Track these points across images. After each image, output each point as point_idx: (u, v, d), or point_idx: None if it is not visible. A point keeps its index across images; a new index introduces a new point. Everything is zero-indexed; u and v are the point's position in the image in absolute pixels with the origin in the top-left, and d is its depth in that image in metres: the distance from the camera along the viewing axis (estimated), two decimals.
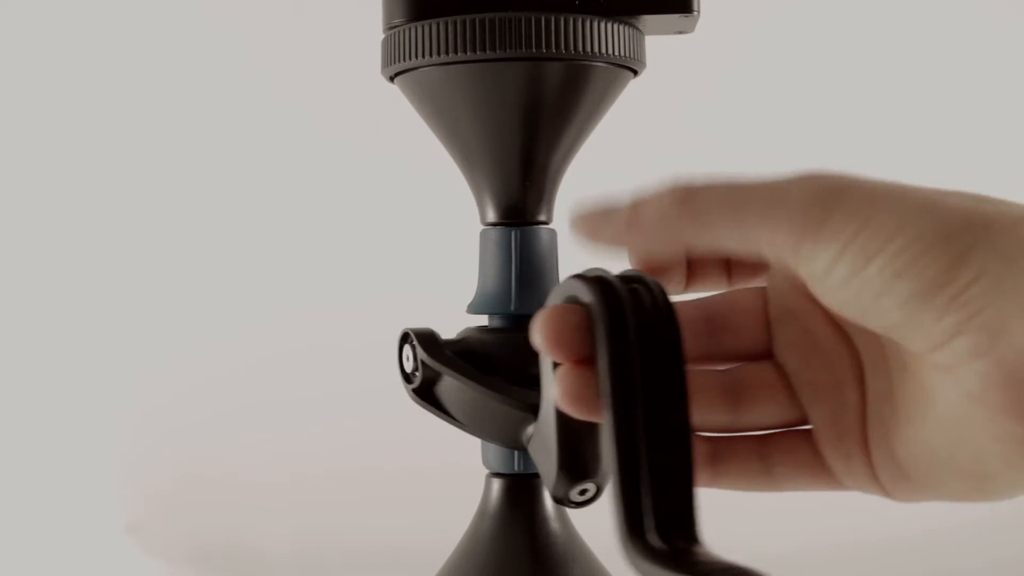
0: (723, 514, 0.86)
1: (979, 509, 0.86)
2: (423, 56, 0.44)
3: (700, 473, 0.33)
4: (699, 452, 0.34)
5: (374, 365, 0.89)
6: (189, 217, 0.91)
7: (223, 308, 0.91)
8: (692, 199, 0.33)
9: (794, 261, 0.31)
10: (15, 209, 0.91)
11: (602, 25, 0.44)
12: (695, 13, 0.45)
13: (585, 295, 0.33)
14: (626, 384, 0.31)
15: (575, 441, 0.38)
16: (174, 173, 0.92)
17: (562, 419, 0.36)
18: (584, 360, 0.33)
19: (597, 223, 0.34)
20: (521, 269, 0.46)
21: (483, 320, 0.47)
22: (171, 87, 0.91)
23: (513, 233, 0.46)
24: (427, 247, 0.88)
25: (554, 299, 0.34)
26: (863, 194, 0.30)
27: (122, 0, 0.91)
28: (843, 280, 0.30)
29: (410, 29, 0.44)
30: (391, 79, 0.47)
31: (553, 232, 0.47)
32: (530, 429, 0.41)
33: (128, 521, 0.84)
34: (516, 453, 0.46)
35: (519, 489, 0.47)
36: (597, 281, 0.33)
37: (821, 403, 0.35)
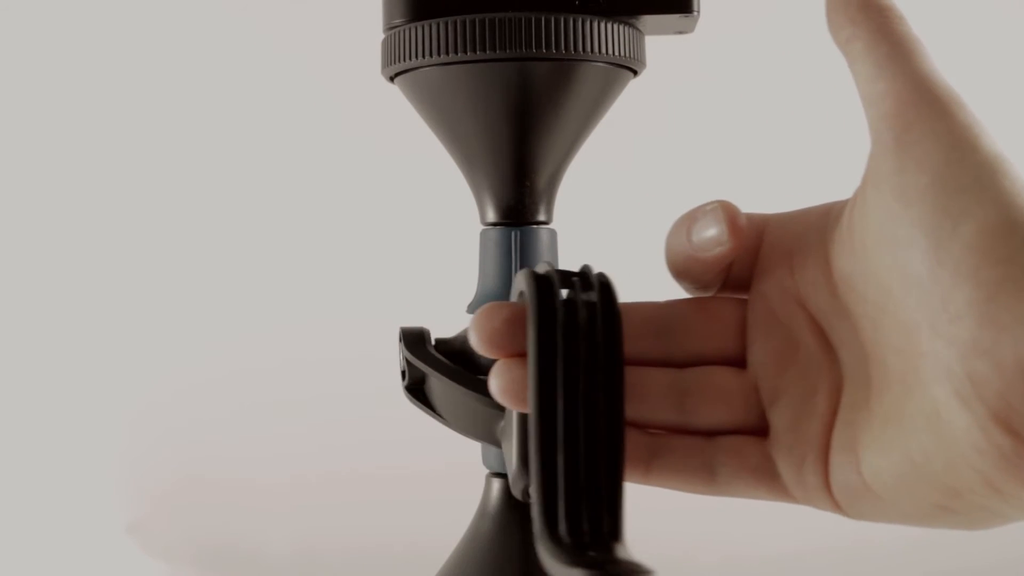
0: (724, 514, 0.86)
1: None
2: (423, 56, 0.44)
3: (633, 468, 0.33)
4: (634, 447, 0.34)
5: (374, 365, 0.89)
6: (188, 218, 0.91)
7: (223, 309, 0.91)
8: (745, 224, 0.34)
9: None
10: (16, 210, 0.91)
11: (602, 25, 0.44)
12: (695, 13, 0.45)
13: (523, 287, 0.32)
14: (549, 377, 0.30)
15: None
16: (174, 173, 0.92)
17: (520, 414, 0.35)
18: (521, 354, 0.32)
19: (707, 253, 0.35)
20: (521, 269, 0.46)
21: None
22: (170, 88, 0.91)
23: (513, 233, 0.46)
24: (427, 247, 0.88)
25: (512, 294, 0.34)
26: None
27: (123, 1, 0.91)
28: (891, 212, 0.30)
29: (410, 29, 0.44)
30: (391, 79, 0.47)
31: (553, 232, 0.47)
32: (501, 424, 0.42)
33: (128, 521, 0.84)
34: None
35: None
36: (533, 275, 0.32)
37: (786, 409, 0.34)
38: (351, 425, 0.88)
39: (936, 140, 0.31)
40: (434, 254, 0.85)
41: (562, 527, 0.30)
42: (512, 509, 0.47)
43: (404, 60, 0.44)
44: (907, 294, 0.30)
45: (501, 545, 0.46)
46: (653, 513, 0.82)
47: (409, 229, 0.91)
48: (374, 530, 0.82)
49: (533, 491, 0.30)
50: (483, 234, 0.47)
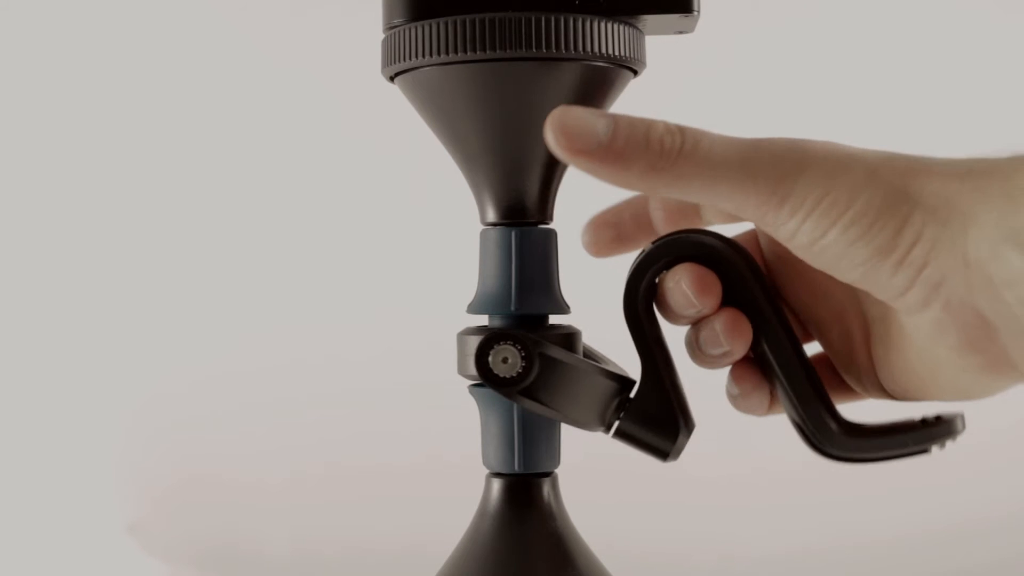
0: (723, 514, 0.86)
1: (979, 509, 0.86)
2: (423, 56, 0.44)
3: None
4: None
5: (374, 365, 0.89)
6: (188, 218, 0.91)
7: (223, 309, 0.91)
8: (674, 157, 0.36)
9: (762, 225, 0.37)
10: (16, 210, 0.91)
11: (602, 25, 0.44)
12: (695, 13, 0.45)
13: (714, 244, 0.42)
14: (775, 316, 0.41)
15: (684, 399, 0.44)
16: (175, 173, 0.92)
17: (675, 382, 0.43)
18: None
19: (579, 137, 0.36)
20: (521, 269, 0.46)
21: (483, 320, 0.47)
22: (171, 89, 0.91)
23: (513, 233, 0.46)
24: (427, 247, 0.88)
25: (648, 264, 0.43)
26: (820, 169, 0.36)
27: (123, 1, 0.91)
28: (807, 245, 0.36)
29: (410, 29, 0.44)
30: (391, 79, 0.47)
31: (553, 232, 0.47)
32: (615, 403, 0.43)
33: (128, 521, 0.84)
34: (516, 453, 0.46)
35: (519, 489, 0.47)
36: (715, 236, 0.42)
37: (828, 332, 0.42)
38: (351, 425, 0.88)
39: None
40: (434, 254, 0.85)
41: (834, 425, 0.41)
42: (512, 509, 0.47)
43: (404, 60, 0.44)
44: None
45: (501, 545, 0.46)
46: (653, 513, 0.82)
47: (409, 229, 0.91)
48: (374, 530, 0.82)
49: (800, 407, 0.41)
50: (483, 234, 0.47)
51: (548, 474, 0.47)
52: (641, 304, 0.43)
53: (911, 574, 0.79)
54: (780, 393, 0.42)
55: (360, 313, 0.90)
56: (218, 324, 0.91)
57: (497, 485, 0.47)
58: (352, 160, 0.91)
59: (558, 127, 0.36)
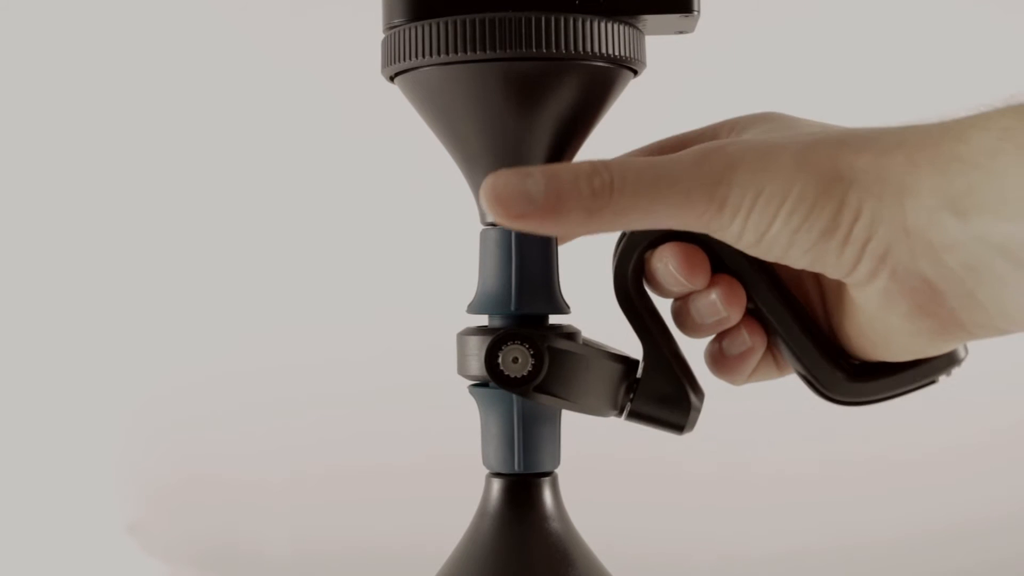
0: (722, 514, 0.86)
1: (979, 509, 0.86)
2: (423, 56, 0.44)
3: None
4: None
5: (374, 365, 0.89)
6: (188, 218, 0.91)
7: (223, 308, 0.91)
8: (607, 196, 0.37)
9: (710, 232, 0.38)
10: (16, 211, 0.91)
11: (602, 25, 0.44)
12: (695, 13, 0.45)
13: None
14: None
15: (688, 369, 0.44)
16: (176, 173, 0.92)
17: (677, 355, 0.44)
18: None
19: (514, 203, 0.37)
20: (521, 269, 0.46)
21: (483, 320, 0.47)
22: (171, 89, 0.91)
23: (513, 233, 0.46)
24: (427, 247, 0.88)
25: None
26: (748, 166, 0.37)
27: (123, 1, 0.91)
28: (755, 242, 0.37)
29: (410, 29, 0.44)
30: (391, 79, 0.47)
31: None
32: (624, 386, 0.44)
33: (128, 521, 0.84)
34: (516, 453, 0.46)
35: (519, 489, 0.47)
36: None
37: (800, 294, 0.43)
38: (351, 425, 0.88)
39: None
40: (434, 254, 0.85)
41: (839, 371, 0.42)
42: (512, 509, 0.47)
43: (404, 60, 0.44)
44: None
45: (501, 545, 0.46)
46: (653, 513, 0.82)
47: (409, 229, 0.91)
48: (374, 530, 0.82)
49: (806, 362, 0.42)
50: (483, 234, 0.47)
51: (548, 474, 0.47)
52: (632, 285, 0.44)
53: (911, 574, 0.79)
54: (782, 349, 0.43)
55: (360, 313, 0.90)
56: (218, 324, 0.91)
57: (497, 485, 0.47)
58: (352, 160, 0.91)
59: (492, 197, 0.37)
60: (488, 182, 0.37)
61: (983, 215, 0.34)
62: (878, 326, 0.39)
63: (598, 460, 0.72)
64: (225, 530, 0.84)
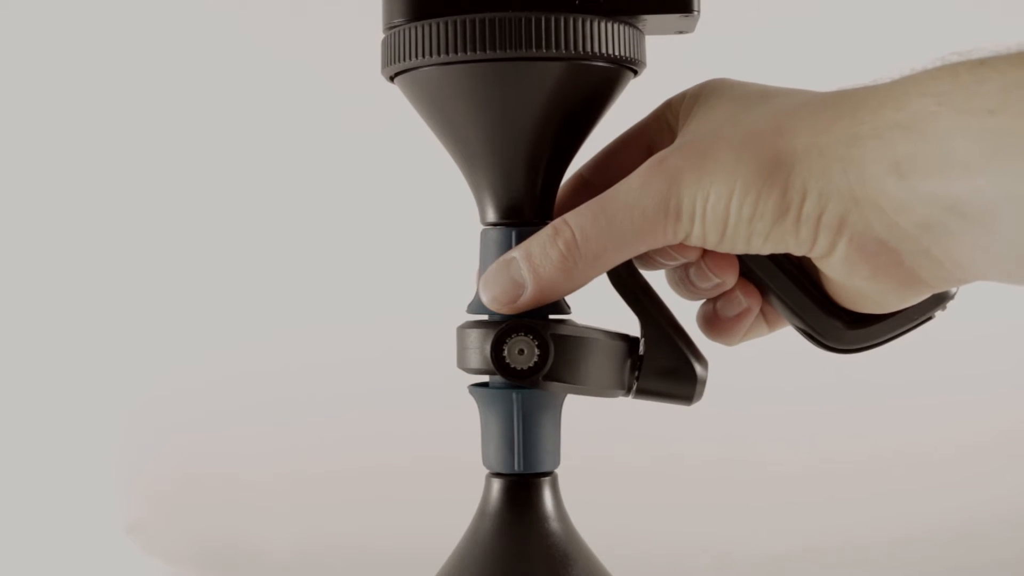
0: (722, 514, 0.86)
1: (979, 509, 0.86)
2: (423, 56, 0.44)
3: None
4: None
5: (374, 366, 0.89)
6: (188, 219, 0.91)
7: (223, 309, 0.91)
8: (576, 249, 0.40)
9: (682, 242, 0.40)
10: (16, 211, 0.91)
11: (602, 25, 0.44)
12: (695, 13, 0.45)
13: None
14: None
15: (689, 338, 0.45)
16: (176, 174, 0.92)
17: (676, 327, 0.44)
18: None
19: (506, 295, 0.42)
20: None
21: (483, 320, 0.47)
22: (171, 89, 0.91)
23: (513, 233, 0.46)
24: (427, 247, 0.88)
25: None
26: (690, 171, 0.39)
27: (124, 1, 0.91)
28: (717, 241, 0.39)
29: (410, 29, 0.44)
30: (391, 79, 0.47)
31: None
32: (629, 363, 0.45)
33: (128, 521, 0.84)
34: (516, 453, 0.46)
35: (519, 489, 0.47)
36: None
37: None
38: (351, 425, 0.88)
39: None
40: (434, 254, 0.85)
41: (836, 321, 0.43)
42: (512, 509, 0.47)
43: (404, 60, 0.44)
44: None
45: (501, 545, 0.46)
46: (653, 513, 0.82)
47: (409, 229, 0.91)
48: (374, 530, 0.82)
49: (803, 316, 0.43)
50: (483, 234, 0.47)
51: (548, 474, 0.47)
52: (622, 265, 0.44)
53: (911, 574, 0.79)
54: (778, 307, 0.44)
55: (360, 314, 0.90)
56: (218, 325, 0.91)
57: (497, 485, 0.47)
58: (352, 160, 0.91)
59: (490, 297, 0.43)
60: (481, 282, 0.42)
61: (929, 178, 0.35)
62: (847, 288, 0.41)
63: (598, 460, 0.72)
64: (225, 530, 0.84)
